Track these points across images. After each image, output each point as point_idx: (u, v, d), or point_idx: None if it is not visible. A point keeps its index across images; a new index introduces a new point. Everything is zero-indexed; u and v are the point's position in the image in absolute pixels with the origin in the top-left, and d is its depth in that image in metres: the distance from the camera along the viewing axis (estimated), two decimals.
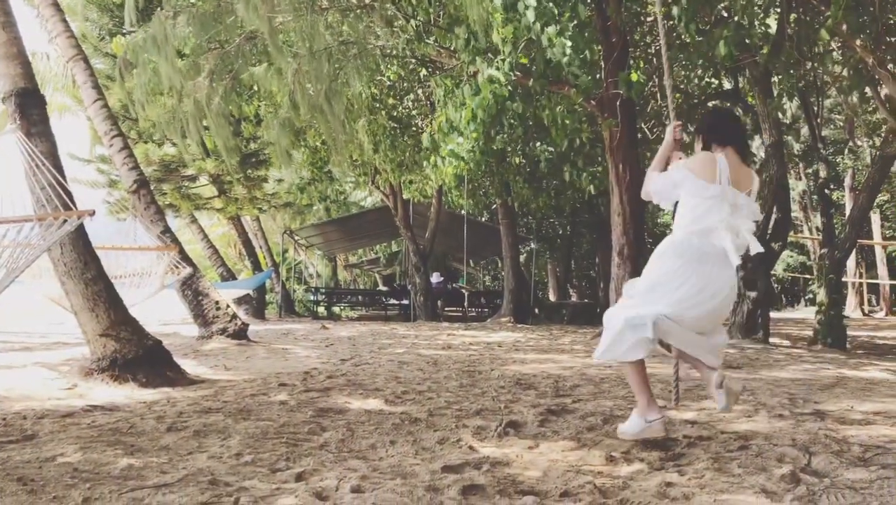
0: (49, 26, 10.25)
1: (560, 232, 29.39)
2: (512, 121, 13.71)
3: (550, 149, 15.49)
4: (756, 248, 3.56)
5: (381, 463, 3.58)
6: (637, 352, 3.53)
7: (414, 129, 17.54)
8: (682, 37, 12.86)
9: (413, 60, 15.54)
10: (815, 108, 16.18)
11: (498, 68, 9.65)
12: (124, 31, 17.01)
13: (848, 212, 18.51)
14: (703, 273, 3.49)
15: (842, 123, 26.70)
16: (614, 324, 3.58)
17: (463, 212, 22.69)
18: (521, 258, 24.73)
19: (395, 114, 17.01)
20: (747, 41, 10.14)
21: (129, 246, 10.58)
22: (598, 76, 11.26)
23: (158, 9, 12.55)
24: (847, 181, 28.24)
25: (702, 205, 3.55)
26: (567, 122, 11.51)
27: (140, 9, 13.15)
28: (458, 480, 3.17)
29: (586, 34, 9.35)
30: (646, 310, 3.51)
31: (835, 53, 13.70)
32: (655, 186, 3.85)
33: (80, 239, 6.84)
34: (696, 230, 3.55)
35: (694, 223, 3.56)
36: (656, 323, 3.45)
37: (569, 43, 8.94)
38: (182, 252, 11.41)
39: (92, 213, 5.58)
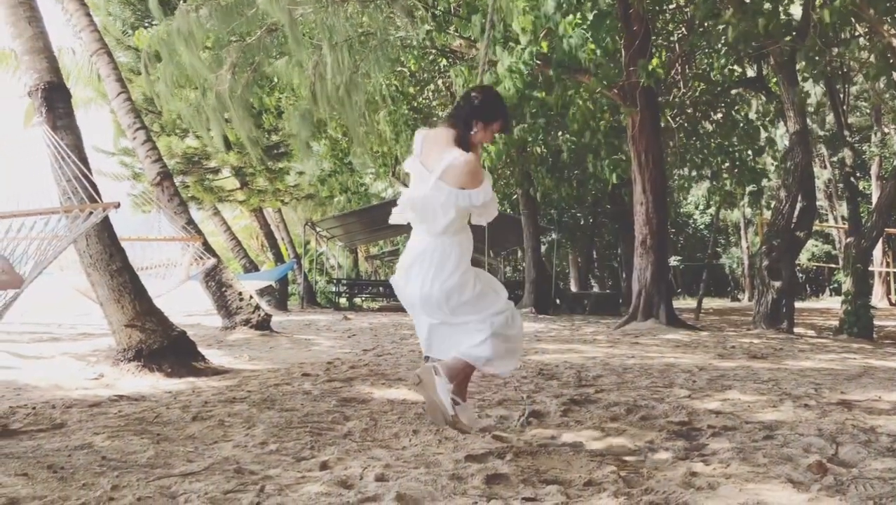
0: (74, 20, 10.36)
1: (582, 222, 29.24)
2: (533, 110, 13.66)
3: (573, 139, 15.42)
4: (392, 219, 3.83)
5: (405, 452, 3.59)
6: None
7: (434, 118, 17.53)
8: (705, 24, 12.74)
9: (433, 51, 15.51)
10: (841, 95, 15.94)
11: (518, 57, 9.60)
12: (146, 24, 17.15)
13: (875, 200, 18.24)
14: (409, 245, 3.81)
15: (868, 110, 26.31)
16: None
17: None
18: (543, 249, 24.65)
19: (415, 104, 17.01)
20: (767, 28, 9.98)
21: (154, 237, 10.69)
22: (618, 61, 11.18)
23: (182, 2, 12.63)
24: (874, 169, 27.82)
25: None
26: (588, 107, 11.44)
27: (164, 1, 13.25)
28: (481, 469, 3.18)
29: (607, 23, 9.27)
30: None
31: (861, 39, 13.48)
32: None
33: (105, 231, 6.92)
34: None
35: None
36: None
37: (588, 34, 8.88)
38: (205, 244, 11.52)
39: (117, 206, 5.63)
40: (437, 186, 3.44)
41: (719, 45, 12.59)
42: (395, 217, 3.69)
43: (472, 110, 3.55)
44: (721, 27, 11.03)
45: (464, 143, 3.51)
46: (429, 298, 3.57)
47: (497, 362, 3.65)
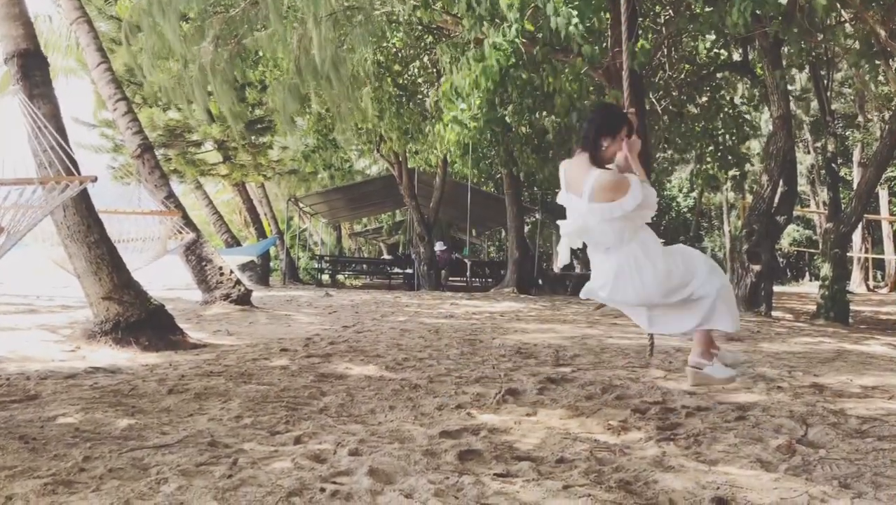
0: None
1: None
2: (518, 90, 13.58)
3: (559, 120, 15.35)
4: (561, 259, 3.90)
5: (380, 427, 3.61)
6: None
7: (419, 96, 17.39)
8: (692, 6, 12.69)
9: (419, 27, 15.36)
10: (826, 81, 15.99)
11: (504, 35, 9.53)
12: None
13: (856, 186, 18.39)
14: (594, 266, 3.77)
15: (852, 97, 26.43)
16: None
17: (467, 182, 22.60)
18: (526, 229, 24.65)
19: (400, 81, 16.85)
20: (758, 11, 9.97)
21: (132, 210, 10.58)
22: (604, 45, 11.13)
23: None
24: (856, 156, 28.02)
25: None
26: (574, 89, 11.38)
27: None
28: (455, 445, 3.20)
29: (594, 2, 9.19)
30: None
31: (847, 26, 13.50)
32: None
33: (83, 202, 6.84)
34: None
35: None
36: (586, 291, 3.84)
37: (574, 12, 8.80)
38: (186, 218, 11.41)
39: (94, 180, 5.54)
40: (590, 209, 3.57)
41: (707, 29, 12.52)
42: (565, 254, 3.83)
43: (596, 130, 3.68)
44: (708, 12, 10.96)
45: (598, 161, 3.64)
46: (648, 298, 3.70)
47: (732, 319, 3.71)
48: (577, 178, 3.67)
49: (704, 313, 3.71)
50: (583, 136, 3.77)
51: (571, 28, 8.82)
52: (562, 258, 3.88)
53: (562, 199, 3.76)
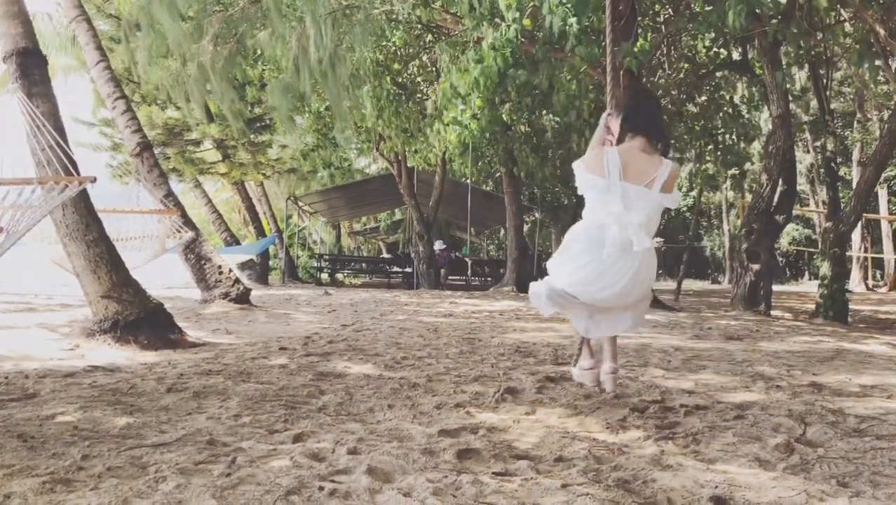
0: None
1: (565, 202, 29.28)
2: (518, 89, 13.57)
3: (558, 119, 15.35)
4: (641, 243, 3.48)
5: (379, 426, 3.61)
6: (546, 311, 3.84)
7: (419, 95, 17.37)
8: (692, 6, 12.69)
9: (419, 26, 15.35)
10: (825, 80, 15.97)
11: (503, 34, 9.52)
12: None
13: (855, 186, 18.39)
14: (598, 263, 3.53)
15: (851, 96, 26.43)
16: (534, 286, 3.84)
17: (467, 180, 22.60)
18: (525, 228, 24.66)
19: (399, 80, 16.84)
20: (757, 11, 9.98)
21: (131, 209, 10.58)
22: (603, 44, 11.13)
23: None
24: (855, 155, 28.02)
25: (594, 198, 3.58)
26: (573, 89, 11.38)
27: None
28: (454, 443, 3.20)
29: (591, 1, 9.17)
30: (551, 282, 3.73)
31: (847, 25, 13.50)
32: (576, 178, 3.80)
33: (81, 201, 6.84)
34: (589, 223, 3.60)
35: (589, 216, 3.62)
36: (550, 295, 3.70)
37: (571, 12, 8.79)
38: (185, 216, 11.41)
39: (93, 180, 5.52)
40: (663, 199, 3.51)
41: (706, 28, 12.51)
42: (644, 239, 3.48)
43: (663, 124, 3.70)
44: (708, 11, 10.96)
45: (666, 152, 3.63)
46: (639, 297, 3.72)
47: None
48: (643, 166, 3.52)
49: (637, 316, 3.86)
50: (652, 124, 3.69)
51: (567, 28, 8.81)
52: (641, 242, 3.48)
53: (612, 186, 3.48)
